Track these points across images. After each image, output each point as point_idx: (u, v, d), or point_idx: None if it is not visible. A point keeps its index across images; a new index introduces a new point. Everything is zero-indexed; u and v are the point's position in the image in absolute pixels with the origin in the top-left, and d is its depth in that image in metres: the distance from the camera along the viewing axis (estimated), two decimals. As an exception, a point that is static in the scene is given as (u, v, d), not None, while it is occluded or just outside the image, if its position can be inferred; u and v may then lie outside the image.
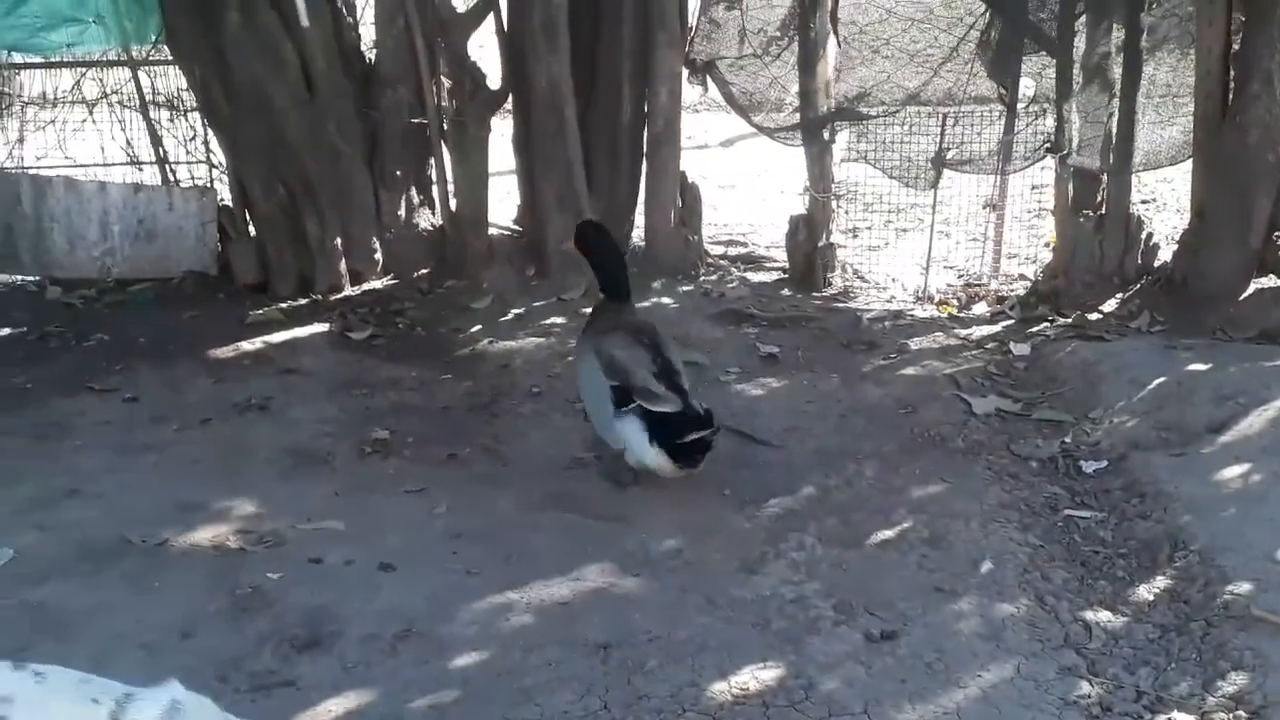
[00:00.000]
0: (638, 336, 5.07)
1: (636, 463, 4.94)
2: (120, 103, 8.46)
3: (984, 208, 8.08)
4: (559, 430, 5.62)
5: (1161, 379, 5.64)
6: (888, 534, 4.59)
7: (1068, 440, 5.34)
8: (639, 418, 4.83)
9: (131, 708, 2.32)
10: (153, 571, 4.35)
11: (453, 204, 7.92)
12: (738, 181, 11.00)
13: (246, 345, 6.67)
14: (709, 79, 7.96)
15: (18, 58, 8.50)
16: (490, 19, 7.89)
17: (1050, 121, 7.14)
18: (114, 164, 8.57)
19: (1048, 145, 7.12)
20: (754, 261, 8.26)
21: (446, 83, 7.75)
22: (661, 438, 4.80)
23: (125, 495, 4.97)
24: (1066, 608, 4.06)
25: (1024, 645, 3.85)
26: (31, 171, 8.30)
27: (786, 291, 7.55)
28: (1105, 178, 7.06)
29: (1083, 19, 6.97)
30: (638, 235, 8.15)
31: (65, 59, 8.46)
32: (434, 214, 8.05)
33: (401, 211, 7.87)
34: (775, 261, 8.17)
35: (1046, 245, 7.79)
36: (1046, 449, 5.27)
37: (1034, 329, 6.71)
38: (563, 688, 3.66)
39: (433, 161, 7.93)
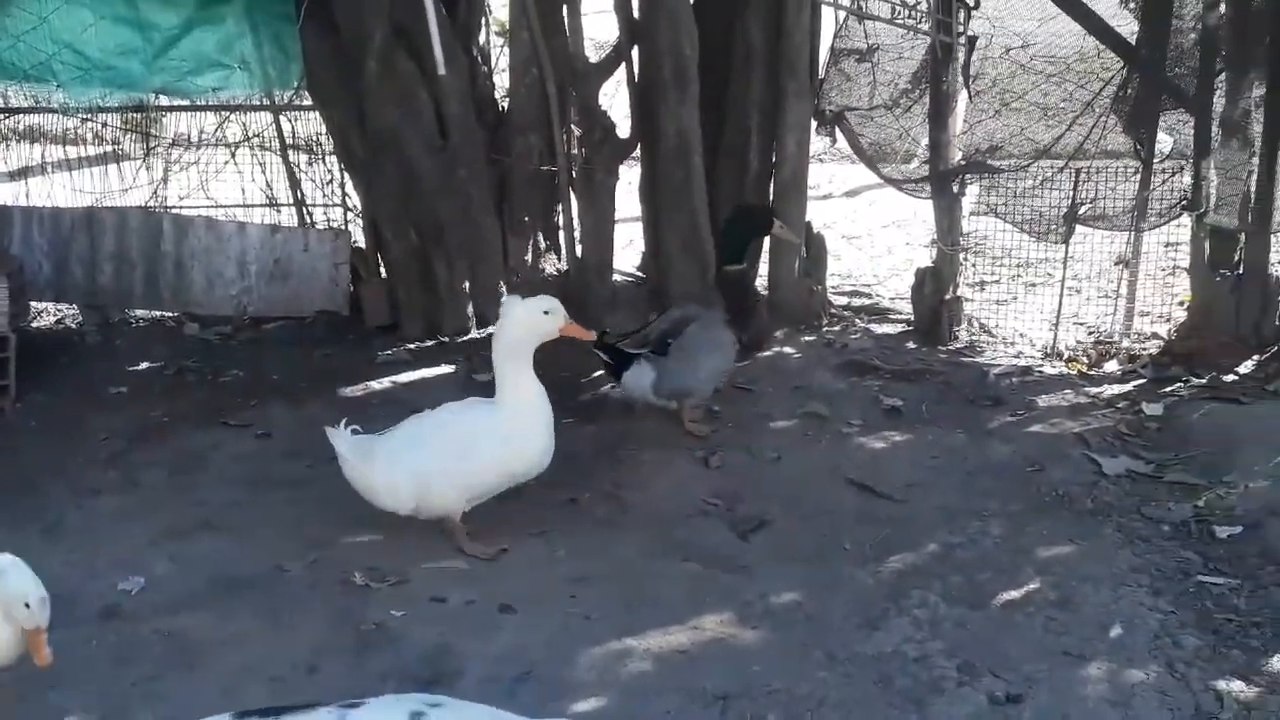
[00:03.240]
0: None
1: None
2: (261, 146, 8.71)
3: (1116, 264, 7.95)
4: (681, 477, 5.62)
5: (1302, 444, 5.48)
6: (1014, 594, 4.51)
7: (1201, 504, 5.21)
8: None
9: None
10: (281, 605, 4.44)
11: (578, 250, 8.01)
12: (862, 232, 10.96)
13: (376, 385, 6.80)
14: (838, 130, 7.96)
15: (164, 100, 8.78)
16: (621, 69, 8.00)
17: (1187, 178, 7.01)
18: (253, 205, 8.81)
19: (1184, 202, 7.00)
20: (878, 313, 8.21)
21: (576, 131, 7.86)
22: None
23: (256, 529, 5.08)
24: (1198, 676, 3.95)
25: (1154, 713, 3.75)
26: (174, 211, 8.57)
27: (911, 344, 7.48)
28: (1243, 237, 6.91)
29: (1222, 75, 6.85)
30: (761, 284, 8.16)
31: (210, 102, 8.72)
32: (560, 259, 8.14)
33: (528, 256, 7.98)
34: (900, 314, 8.11)
35: (1181, 304, 7.63)
36: (1179, 512, 5.14)
37: (1167, 389, 6.56)
38: (681, 737, 3.65)
39: (560, 208, 8.03)
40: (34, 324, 7.92)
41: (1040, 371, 6.99)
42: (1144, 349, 7.28)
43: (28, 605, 3.52)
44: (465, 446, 4.73)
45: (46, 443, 6.02)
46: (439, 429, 4.83)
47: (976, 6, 7.61)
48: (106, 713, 3.79)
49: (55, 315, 8.21)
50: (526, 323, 4.77)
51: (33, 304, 7.98)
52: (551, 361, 7.12)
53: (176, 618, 4.34)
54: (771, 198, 7.86)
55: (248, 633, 4.22)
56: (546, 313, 4.78)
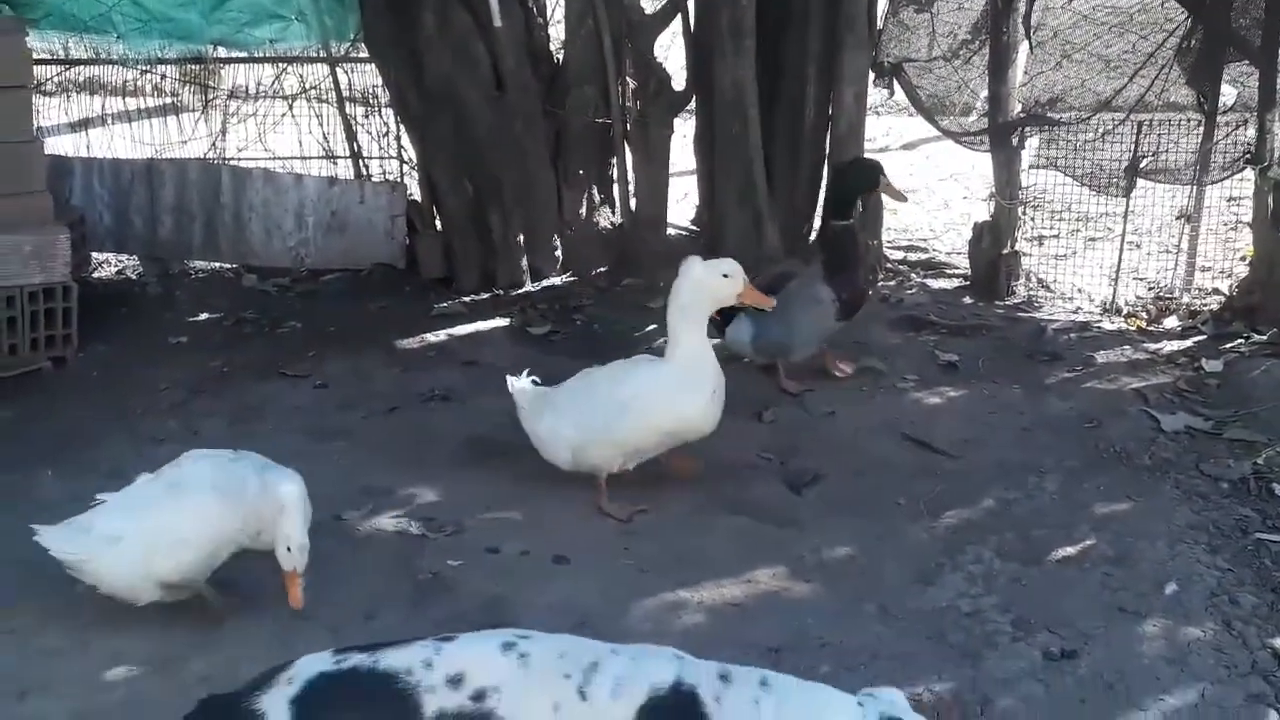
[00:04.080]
0: None
1: None
2: (318, 98, 8.75)
3: (1177, 219, 7.83)
4: (734, 432, 5.59)
5: (1364, 401, 5.41)
6: (1069, 551, 4.50)
7: (1260, 461, 5.15)
8: None
9: (594, 680, 2.48)
10: (338, 554, 4.49)
11: (633, 203, 8.00)
12: (919, 186, 10.85)
13: (431, 337, 6.85)
14: (895, 82, 7.88)
15: (222, 52, 8.83)
16: (677, 21, 7.95)
17: (1251, 132, 6.89)
18: (310, 157, 8.85)
19: (1247, 156, 6.87)
20: (934, 267, 8.15)
21: (631, 83, 7.83)
22: None
23: (313, 479, 5.03)
24: (1255, 634, 3.93)
25: (1209, 670, 3.74)
26: (232, 163, 8.63)
27: (968, 299, 7.43)
28: (1308, 191, 6.77)
29: (1289, 25, 6.71)
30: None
31: (267, 54, 8.77)
32: (614, 213, 8.14)
33: (582, 210, 7.98)
34: (956, 268, 8.05)
35: (1243, 259, 7.51)
36: (1238, 469, 5.09)
37: (1227, 345, 6.47)
38: (734, 689, 3.66)
39: (614, 161, 8.01)
40: (95, 274, 8.02)
41: (1098, 327, 6.93)
42: (1204, 305, 7.18)
43: (289, 549, 3.83)
44: (627, 403, 4.72)
45: (108, 392, 6.11)
46: (604, 384, 4.84)
47: (1038, -44, 7.49)
48: (167, 657, 3.86)
49: (116, 266, 8.31)
50: (704, 284, 4.73)
51: (94, 255, 8.07)
52: (607, 314, 7.19)
53: (234, 563, 4.38)
54: (827, 150, 7.80)
55: (306, 581, 4.27)
56: (726, 275, 4.73)
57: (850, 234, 6.08)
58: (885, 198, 6.80)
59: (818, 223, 8.02)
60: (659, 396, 4.73)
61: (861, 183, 6.18)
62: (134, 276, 8.08)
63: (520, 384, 4.98)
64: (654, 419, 4.76)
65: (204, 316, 7.31)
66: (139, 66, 8.66)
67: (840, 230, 6.01)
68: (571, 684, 2.47)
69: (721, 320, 6.00)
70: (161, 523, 3.86)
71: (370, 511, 4.83)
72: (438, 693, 2.43)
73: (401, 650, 2.52)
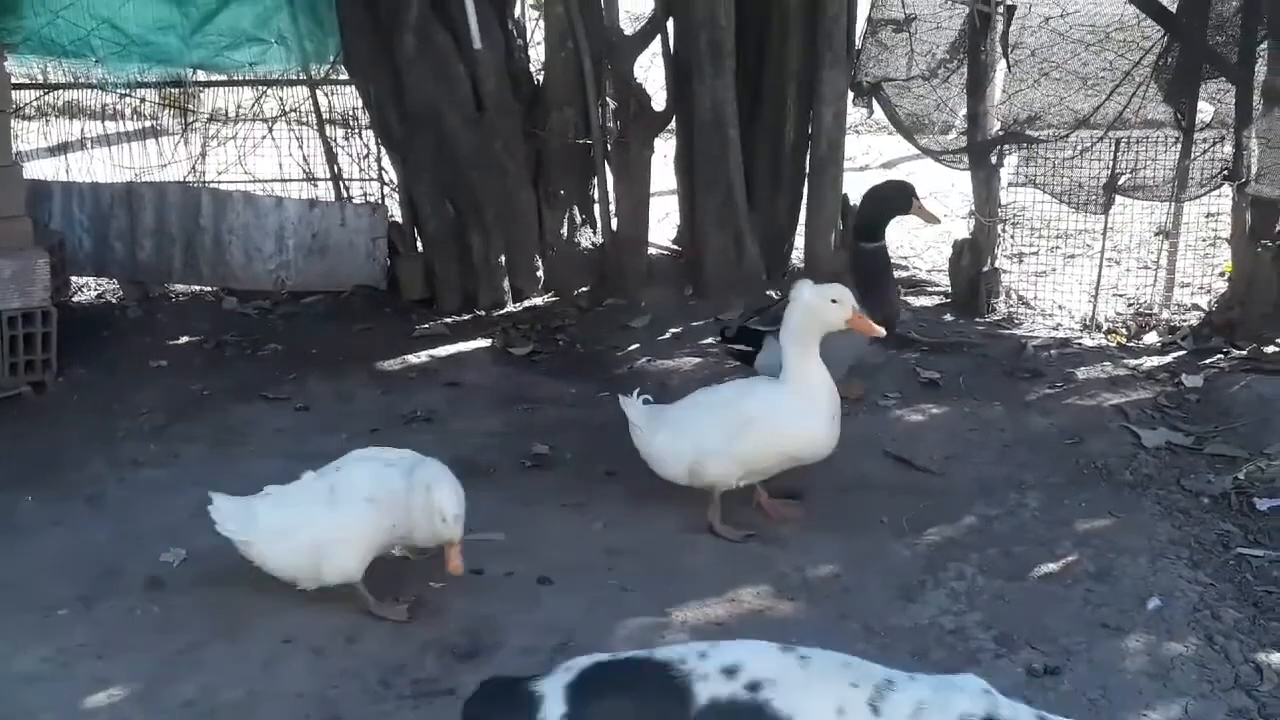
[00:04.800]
0: None
1: None
2: (298, 120, 8.74)
3: (1156, 235, 7.87)
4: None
5: (1343, 416, 5.44)
6: (1051, 567, 4.50)
7: (1241, 476, 5.17)
8: None
9: (890, 698, 2.43)
10: (321, 576, 4.48)
11: (614, 223, 8.01)
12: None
13: (412, 358, 6.84)
14: (874, 101, 7.91)
15: (202, 75, 8.82)
16: (656, 41, 7.97)
17: (1228, 148, 6.93)
18: (290, 180, 8.84)
19: (1225, 172, 6.91)
20: (915, 285, 8.17)
21: (612, 104, 7.84)
22: None
23: (295, 501, 5.10)
24: (1238, 648, 3.94)
25: (1192, 686, 3.75)
26: (212, 186, 8.62)
27: (948, 317, 7.45)
28: (1285, 206, 6.82)
29: (1264, 43, 6.76)
30: (797, 256, 8.14)
31: (247, 77, 8.76)
32: (595, 233, 8.15)
33: (563, 230, 7.98)
34: (937, 286, 8.08)
35: (1221, 275, 7.56)
36: (1219, 485, 5.11)
37: (1207, 361, 6.50)
38: (718, 708, 3.66)
39: (595, 181, 8.02)
40: (75, 299, 7.98)
41: (1079, 343, 6.95)
42: (1184, 320, 7.22)
43: (444, 520, 4.08)
44: (745, 425, 4.72)
45: (88, 416, 6.08)
46: (721, 406, 4.84)
47: (1015, -25, 7.54)
48: (150, 682, 3.84)
49: (96, 290, 8.27)
50: (814, 308, 4.70)
51: (73, 279, 8.04)
52: (588, 334, 7.19)
53: (218, 589, 4.38)
54: (807, 169, 7.83)
55: (289, 604, 4.26)
56: (834, 301, 4.70)
57: (881, 255, 6.04)
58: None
59: (799, 241, 8.09)
60: (780, 418, 4.72)
61: (894, 205, 6.11)
62: (114, 300, 8.05)
63: (632, 402, 4.97)
64: (775, 440, 4.75)
65: (184, 340, 7.29)
66: (118, 90, 8.63)
67: (871, 252, 5.97)
68: (860, 694, 2.42)
69: (750, 352, 5.83)
70: (321, 529, 4.16)
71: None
72: (710, 680, 2.44)
73: (676, 647, 2.59)
